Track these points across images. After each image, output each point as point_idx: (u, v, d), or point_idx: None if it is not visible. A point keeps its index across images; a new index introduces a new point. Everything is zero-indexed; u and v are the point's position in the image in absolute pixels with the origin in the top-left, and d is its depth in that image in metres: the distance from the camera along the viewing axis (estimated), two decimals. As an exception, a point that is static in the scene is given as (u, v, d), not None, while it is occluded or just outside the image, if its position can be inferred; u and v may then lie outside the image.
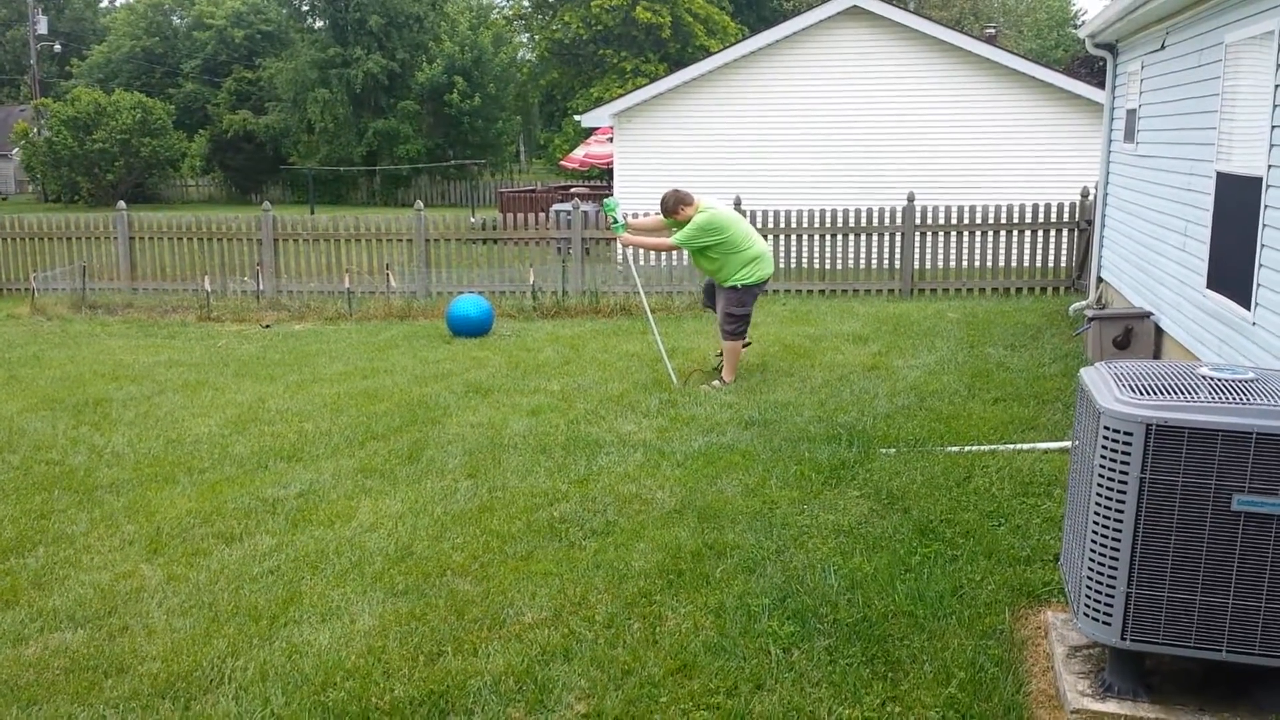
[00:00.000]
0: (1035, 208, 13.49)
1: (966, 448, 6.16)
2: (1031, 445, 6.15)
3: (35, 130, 41.88)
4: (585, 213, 14.08)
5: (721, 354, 8.41)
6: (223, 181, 45.77)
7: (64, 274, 14.43)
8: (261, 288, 13.94)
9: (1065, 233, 13.45)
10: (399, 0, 41.25)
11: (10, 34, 61.10)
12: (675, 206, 8.18)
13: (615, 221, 8.72)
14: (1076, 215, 13.33)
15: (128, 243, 14.74)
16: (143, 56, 48.87)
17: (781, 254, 13.80)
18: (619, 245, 8.92)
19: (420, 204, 14.73)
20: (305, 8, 43.96)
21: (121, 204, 15.46)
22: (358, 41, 41.17)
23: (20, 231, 15.12)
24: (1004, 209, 13.57)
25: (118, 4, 64.02)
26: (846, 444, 6.32)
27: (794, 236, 13.88)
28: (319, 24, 43.34)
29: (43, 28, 53.53)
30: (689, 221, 8.11)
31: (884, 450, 6.19)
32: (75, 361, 10.13)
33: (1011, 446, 6.14)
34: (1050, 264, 13.54)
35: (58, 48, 56.27)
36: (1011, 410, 7.02)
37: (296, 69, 41.86)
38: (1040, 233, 13.50)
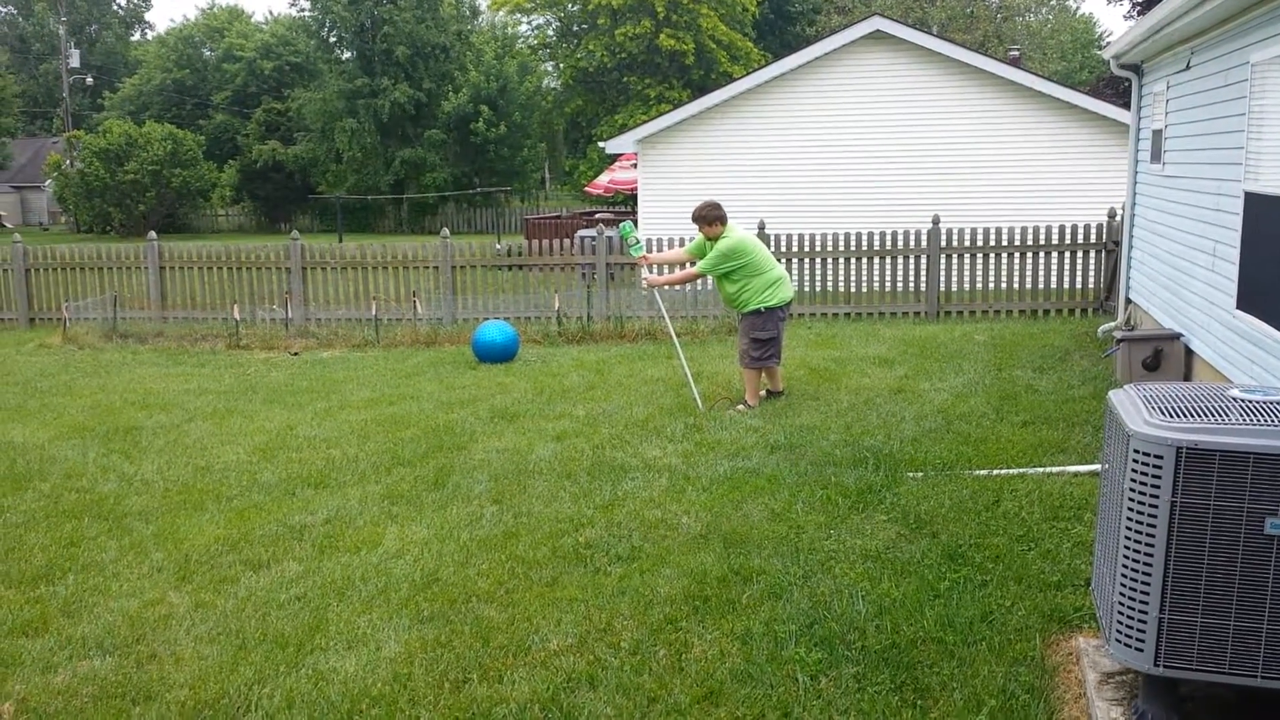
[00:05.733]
0: (1062, 229, 13.42)
1: (995, 471, 6.11)
2: (1061, 469, 6.09)
3: (68, 162, 42.54)
4: (610, 238, 14.12)
5: (768, 389, 8.46)
6: (252, 211, 46.28)
7: (95, 304, 14.61)
8: (290, 316, 14.05)
9: (1093, 254, 13.36)
10: (425, 31, 41.66)
11: (43, 67, 62.28)
12: (709, 218, 8.19)
13: (635, 243, 8.78)
14: (1104, 236, 13.24)
15: (158, 272, 14.92)
16: (173, 88, 49.66)
17: (806, 277, 13.82)
18: (643, 270, 8.96)
19: (446, 231, 14.82)
20: (333, 39, 44.45)
21: (152, 234, 15.66)
22: (385, 72, 41.60)
23: (53, 262, 15.34)
24: (1030, 230, 13.50)
25: (149, 37, 65.12)
26: (873, 468, 6.28)
27: (819, 260, 13.87)
28: (346, 55, 43.82)
29: (75, 61, 54.49)
30: (714, 239, 8.18)
31: (911, 474, 6.15)
32: (106, 390, 10.24)
33: (1041, 470, 6.08)
34: (1078, 285, 13.45)
35: (90, 81, 57.20)
36: (1040, 433, 6.96)
37: (325, 99, 42.33)
38: (1067, 254, 13.42)
